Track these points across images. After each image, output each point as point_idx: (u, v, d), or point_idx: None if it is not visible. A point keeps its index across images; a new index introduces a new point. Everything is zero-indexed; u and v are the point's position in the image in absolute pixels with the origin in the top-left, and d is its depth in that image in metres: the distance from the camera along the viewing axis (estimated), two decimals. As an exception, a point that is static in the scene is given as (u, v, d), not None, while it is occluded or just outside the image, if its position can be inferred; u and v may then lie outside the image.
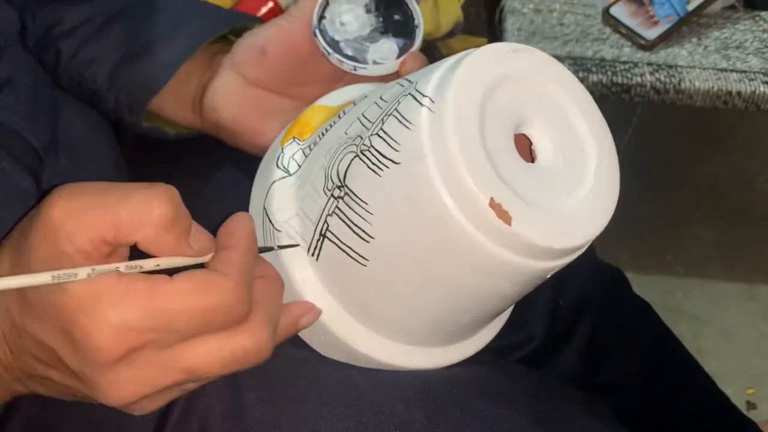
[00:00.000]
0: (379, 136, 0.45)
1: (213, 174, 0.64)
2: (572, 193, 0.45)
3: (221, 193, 0.63)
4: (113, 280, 0.38)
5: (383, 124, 0.45)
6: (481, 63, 0.44)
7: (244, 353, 0.40)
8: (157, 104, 0.61)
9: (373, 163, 0.44)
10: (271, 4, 1.00)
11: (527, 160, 0.45)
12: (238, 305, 0.39)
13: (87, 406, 0.45)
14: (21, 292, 0.39)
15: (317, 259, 0.48)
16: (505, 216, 0.41)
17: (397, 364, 0.51)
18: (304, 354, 0.51)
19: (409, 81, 0.46)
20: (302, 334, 0.51)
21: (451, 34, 1.06)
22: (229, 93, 0.58)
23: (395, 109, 0.44)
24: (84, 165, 0.59)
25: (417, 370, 0.52)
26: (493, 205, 0.41)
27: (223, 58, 0.60)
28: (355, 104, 0.51)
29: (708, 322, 1.39)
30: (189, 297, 0.38)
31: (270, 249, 0.49)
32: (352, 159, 0.46)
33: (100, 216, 0.38)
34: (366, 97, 0.50)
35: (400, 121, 0.44)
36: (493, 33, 1.03)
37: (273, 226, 0.50)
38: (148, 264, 0.40)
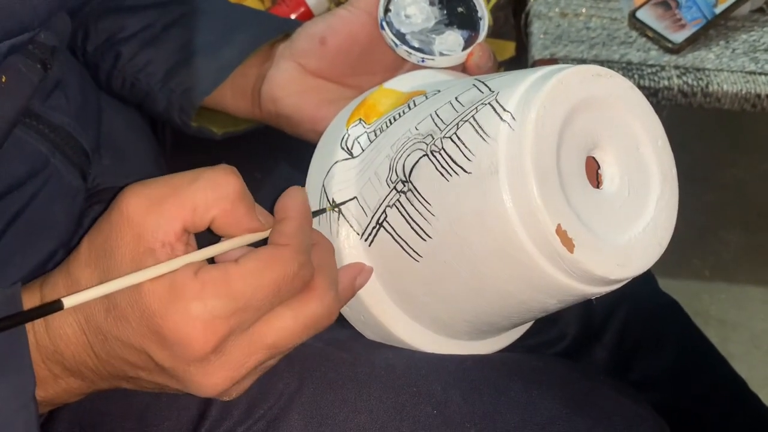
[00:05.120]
0: (452, 140, 0.45)
1: (252, 174, 0.65)
2: (632, 223, 0.46)
3: (260, 193, 0.64)
4: (190, 276, 0.39)
5: (458, 129, 0.45)
6: (565, 85, 0.44)
7: (315, 318, 0.43)
8: (218, 99, 0.62)
9: (442, 167, 0.45)
10: (302, 9, 1.02)
11: (593, 183, 0.46)
12: (302, 270, 0.42)
13: (134, 394, 0.47)
14: (107, 298, 0.40)
15: (370, 245, 0.49)
16: (568, 243, 0.42)
17: (429, 350, 0.52)
18: (342, 338, 0.52)
19: (489, 89, 0.46)
20: (343, 311, 0.52)
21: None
22: (288, 82, 0.59)
23: (472, 116, 0.45)
24: (125, 164, 0.60)
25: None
26: (560, 231, 0.42)
27: (281, 47, 0.60)
28: (426, 96, 0.51)
29: (736, 327, 1.38)
30: (259, 274, 0.40)
31: (323, 211, 0.50)
32: (421, 157, 0.46)
33: (177, 203, 0.40)
34: (438, 92, 0.51)
35: (477, 131, 0.44)
36: (521, 37, 1.03)
37: (331, 206, 0.51)
38: (223, 247, 0.42)
